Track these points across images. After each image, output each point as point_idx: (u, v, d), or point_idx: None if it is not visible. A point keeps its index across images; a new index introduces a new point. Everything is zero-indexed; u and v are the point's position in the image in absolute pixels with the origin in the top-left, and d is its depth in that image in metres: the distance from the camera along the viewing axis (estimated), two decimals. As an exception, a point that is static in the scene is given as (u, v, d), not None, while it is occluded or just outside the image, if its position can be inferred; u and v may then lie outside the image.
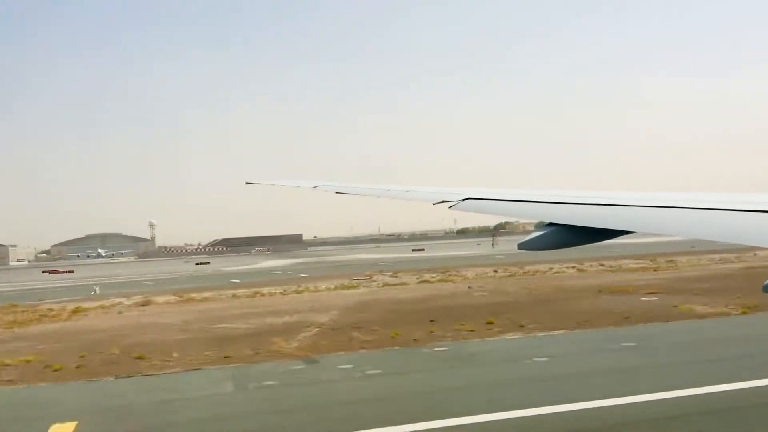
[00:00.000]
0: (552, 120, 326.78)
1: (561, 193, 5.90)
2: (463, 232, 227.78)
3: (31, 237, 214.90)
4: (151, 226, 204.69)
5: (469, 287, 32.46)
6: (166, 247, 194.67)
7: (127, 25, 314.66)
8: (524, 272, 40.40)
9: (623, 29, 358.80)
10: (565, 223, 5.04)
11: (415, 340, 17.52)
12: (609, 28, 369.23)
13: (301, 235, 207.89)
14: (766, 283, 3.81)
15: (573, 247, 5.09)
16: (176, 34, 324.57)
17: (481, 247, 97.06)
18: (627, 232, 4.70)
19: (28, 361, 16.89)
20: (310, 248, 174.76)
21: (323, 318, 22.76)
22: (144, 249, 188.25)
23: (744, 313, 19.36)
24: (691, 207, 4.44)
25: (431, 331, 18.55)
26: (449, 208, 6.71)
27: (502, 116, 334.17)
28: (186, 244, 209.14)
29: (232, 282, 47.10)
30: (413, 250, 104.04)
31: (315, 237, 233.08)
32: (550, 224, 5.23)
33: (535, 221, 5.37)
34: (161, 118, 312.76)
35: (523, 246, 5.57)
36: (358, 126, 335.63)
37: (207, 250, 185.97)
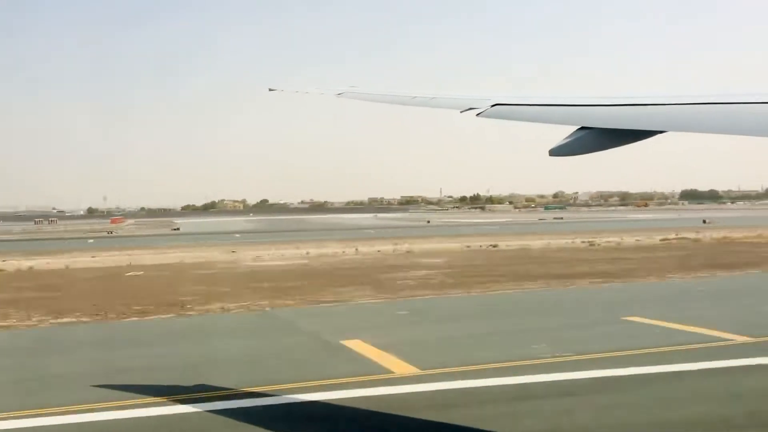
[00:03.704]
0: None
1: (593, 95, 5.73)
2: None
3: None
4: None
5: None
6: None
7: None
8: None
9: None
10: (597, 127, 4.93)
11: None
12: None
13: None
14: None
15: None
16: None
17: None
18: (661, 132, 4.61)
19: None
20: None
21: None
22: None
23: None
24: (726, 102, 4.30)
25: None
26: (477, 115, 6.42)
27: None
28: None
29: None
30: None
31: None
32: (582, 128, 5.12)
33: (567, 125, 5.26)
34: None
35: (554, 152, 5.48)
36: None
37: None
